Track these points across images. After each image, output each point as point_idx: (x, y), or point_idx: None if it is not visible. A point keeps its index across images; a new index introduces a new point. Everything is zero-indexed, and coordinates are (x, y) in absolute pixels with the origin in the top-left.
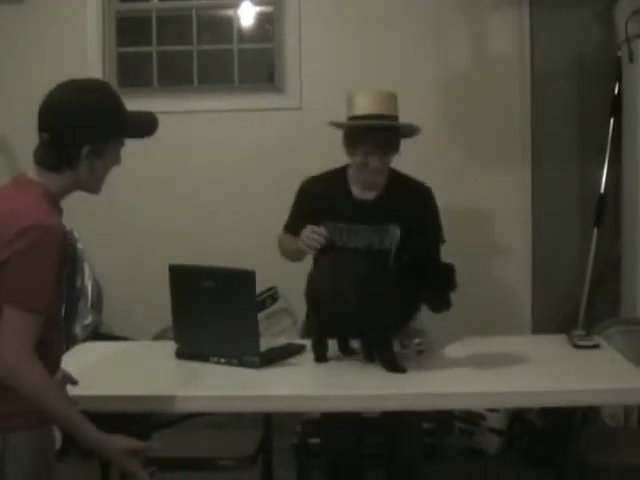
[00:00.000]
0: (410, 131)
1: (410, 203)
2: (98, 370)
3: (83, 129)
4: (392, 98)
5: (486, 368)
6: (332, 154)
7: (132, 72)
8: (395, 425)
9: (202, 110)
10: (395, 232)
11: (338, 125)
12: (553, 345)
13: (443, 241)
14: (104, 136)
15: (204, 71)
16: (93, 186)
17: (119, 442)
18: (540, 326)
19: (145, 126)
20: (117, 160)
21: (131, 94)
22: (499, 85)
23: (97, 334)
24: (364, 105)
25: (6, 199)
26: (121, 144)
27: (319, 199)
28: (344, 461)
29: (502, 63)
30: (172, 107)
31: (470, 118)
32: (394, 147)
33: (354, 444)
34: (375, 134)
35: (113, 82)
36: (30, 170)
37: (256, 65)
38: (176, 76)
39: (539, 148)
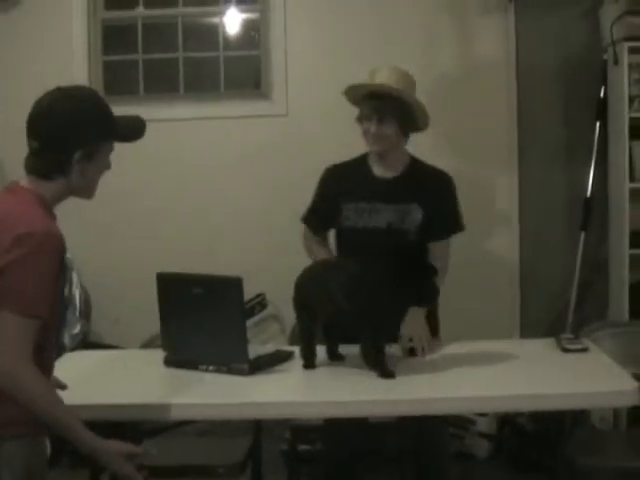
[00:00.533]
0: (420, 122)
1: (430, 186)
2: (87, 379)
3: (73, 135)
4: (405, 75)
5: (475, 372)
6: (319, 159)
7: (118, 80)
8: (413, 429)
9: (188, 118)
10: (417, 212)
11: (345, 92)
12: (542, 349)
13: (463, 228)
14: (94, 141)
15: (190, 79)
16: (86, 191)
17: (115, 446)
18: (528, 330)
19: (134, 129)
20: (107, 165)
21: (117, 102)
22: (485, 88)
23: (86, 343)
24: (376, 77)
25: (4, 207)
26: (111, 148)
27: (340, 182)
28: (343, 469)
29: (488, 66)
30: (158, 115)
31: (456, 122)
32: (391, 115)
33: (355, 452)
34: (373, 101)
35: (99, 90)
36: (22, 179)
37: (242, 72)
38: (162, 84)
39: (526, 151)
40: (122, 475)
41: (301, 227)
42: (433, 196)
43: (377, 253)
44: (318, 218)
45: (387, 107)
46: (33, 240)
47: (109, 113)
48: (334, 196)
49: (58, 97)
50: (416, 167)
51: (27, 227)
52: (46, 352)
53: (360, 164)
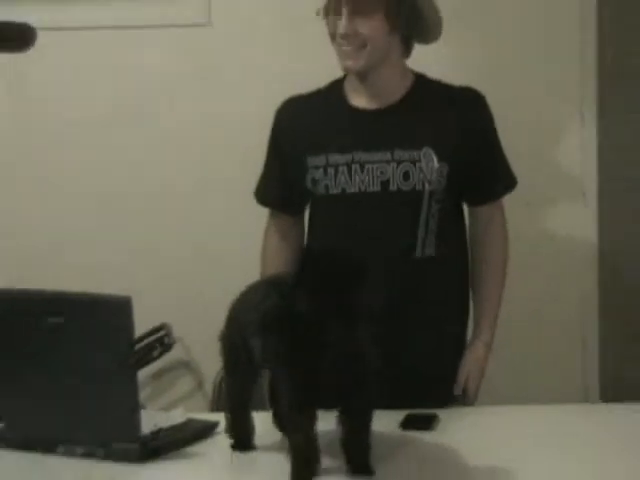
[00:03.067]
0: (424, 23)
1: (451, 113)
2: None
3: None
4: None
5: (520, 463)
6: (250, 83)
7: None
8: None
9: (65, 27)
10: (431, 163)
11: None
12: (636, 421)
13: (515, 182)
14: None
15: None
16: None
17: None
18: (614, 389)
19: (19, 35)
20: None
21: None
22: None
23: None
24: None
25: None
26: None
27: (297, 126)
28: None
29: None
30: (47, 21)
31: (499, 46)
32: (367, 3)
33: None
34: None
35: None
36: None
37: None
38: None
39: (608, 98)
40: None
41: (237, 211)
42: (460, 132)
43: (370, 237)
44: (276, 189)
45: None
46: None
47: None
48: (294, 148)
49: None
50: (423, 88)
51: None
52: None
53: (330, 93)
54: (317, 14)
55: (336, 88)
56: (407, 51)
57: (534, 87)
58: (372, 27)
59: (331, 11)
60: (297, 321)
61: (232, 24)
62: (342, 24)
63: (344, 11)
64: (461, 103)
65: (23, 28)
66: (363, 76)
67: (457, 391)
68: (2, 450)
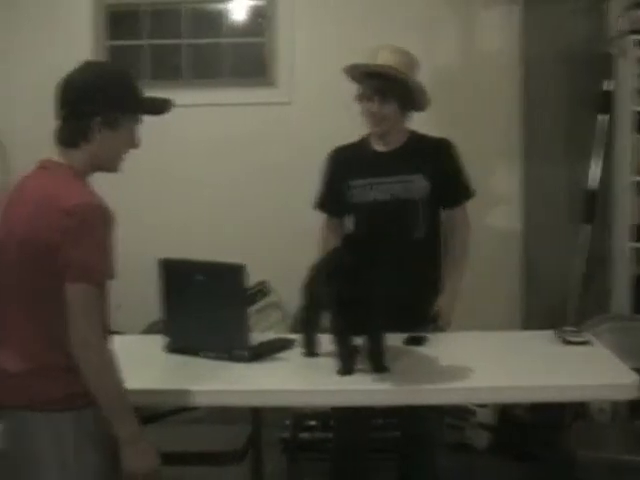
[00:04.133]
0: (420, 102)
1: (432, 155)
2: None
3: (95, 100)
4: (407, 55)
5: (475, 363)
6: (322, 147)
7: (123, 66)
8: (410, 421)
9: (192, 104)
10: (420, 183)
11: (346, 70)
12: (542, 341)
13: (474, 193)
14: (115, 108)
15: (196, 65)
16: (110, 163)
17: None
18: (530, 322)
19: (159, 104)
20: (134, 141)
21: None
22: (489, 82)
23: None
24: (378, 56)
25: (42, 184)
26: (136, 121)
27: (343, 162)
28: (352, 458)
29: (493, 57)
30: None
31: (460, 115)
32: (391, 94)
33: (363, 441)
34: (374, 80)
35: None
36: (54, 154)
37: (247, 59)
38: (167, 70)
39: (530, 144)
40: (134, 473)
41: (308, 216)
42: (437, 164)
43: (386, 226)
44: (329, 201)
45: (388, 87)
46: (83, 211)
47: (133, 84)
48: (339, 176)
49: (84, 68)
50: (415, 138)
51: (74, 200)
52: (106, 314)
53: (361, 142)
54: (355, 100)
55: (365, 140)
56: (407, 118)
57: (483, 139)
58: (390, 109)
59: (365, 99)
60: (342, 278)
61: (306, 103)
62: (373, 109)
63: (376, 100)
64: (438, 147)
65: (167, 100)
66: (382, 134)
67: (433, 312)
68: (171, 354)
